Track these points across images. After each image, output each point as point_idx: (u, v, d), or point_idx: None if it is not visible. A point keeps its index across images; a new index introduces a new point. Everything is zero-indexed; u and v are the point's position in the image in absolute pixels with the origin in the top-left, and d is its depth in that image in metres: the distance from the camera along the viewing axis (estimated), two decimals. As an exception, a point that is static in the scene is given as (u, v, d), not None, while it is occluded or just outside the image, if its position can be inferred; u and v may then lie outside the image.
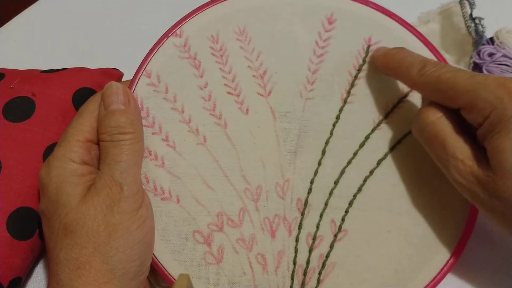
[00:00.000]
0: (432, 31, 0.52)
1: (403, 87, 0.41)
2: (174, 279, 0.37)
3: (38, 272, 0.42)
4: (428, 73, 0.35)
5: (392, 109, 0.41)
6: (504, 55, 0.50)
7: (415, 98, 0.41)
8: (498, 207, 0.32)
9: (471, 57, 0.50)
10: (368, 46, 0.42)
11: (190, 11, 0.42)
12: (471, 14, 0.49)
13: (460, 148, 0.33)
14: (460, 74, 0.34)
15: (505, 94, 0.31)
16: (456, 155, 0.33)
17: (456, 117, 0.35)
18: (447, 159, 0.34)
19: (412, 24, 0.50)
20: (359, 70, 0.41)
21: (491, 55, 0.50)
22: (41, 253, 0.41)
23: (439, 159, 0.35)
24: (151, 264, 0.37)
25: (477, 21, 0.49)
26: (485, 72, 0.50)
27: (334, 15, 0.42)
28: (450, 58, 0.51)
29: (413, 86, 0.37)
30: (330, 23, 0.42)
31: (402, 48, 0.39)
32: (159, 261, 0.37)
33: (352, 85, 0.41)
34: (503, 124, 0.30)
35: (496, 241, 0.42)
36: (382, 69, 0.40)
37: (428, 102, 0.36)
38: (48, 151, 0.40)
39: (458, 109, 0.34)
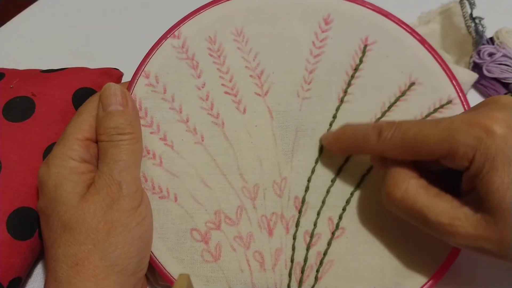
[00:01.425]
0: (432, 31, 0.53)
1: (400, 86, 0.41)
2: (172, 277, 0.37)
3: (38, 272, 0.42)
4: (389, 137, 0.33)
5: (389, 108, 0.41)
6: (504, 55, 0.50)
7: (413, 97, 0.41)
8: (509, 253, 0.29)
9: (471, 57, 0.50)
10: (365, 46, 0.42)
11: (188, 12, 0.43)
12: (471, 14, 0.50)
13: (442, 211, 0.31)
14: (424, 126, 0.32)
15: (481, 132, 0.29)
16: (441, 221, 0.31)
17: (421, 171, 0.33)
18: (435, 228, 0.32)
19: (412, 24, 0.50)
20: (356, 69, 0.42)
21: (491, 55, 0.50)
22: (41, 253, 0.41)
23: (428, 230, 0.33)
24: (150, 263, 0.38)
25: (477, 21, 0.49)
26: (485, 72, 0.50)
27: (330, 16, 0.43)
28: (450, 58, 0.52)
29: (380, 153, 0.35)
30: (326, 23, 0.43)
31: (345, 125, 0.38)
32: (157, 259, 0.38)
33: (349, 84, 0.41)
34: (490, 163, 0.29)
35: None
36: (341, 153, 0.39)
37: (385, 171, 0.35)
38: (48, 151, 0.40)
39: (429, 160, 0.32)
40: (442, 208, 0.31)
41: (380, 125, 0.34)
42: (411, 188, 0.33)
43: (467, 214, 0.30)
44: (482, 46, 0.50)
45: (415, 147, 0.32)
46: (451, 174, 0.33)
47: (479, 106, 0.33)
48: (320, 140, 0.40)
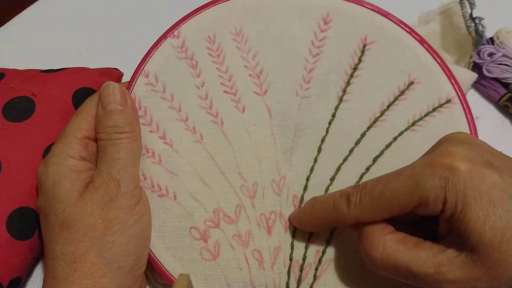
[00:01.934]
0: (432, 31, 0.53)
1: (399, 85, 0.41)
2: (171, 275, 0.37)
3: (38, 272, 0.42)
4: (358, 201, 0.32)
5: (388, 106, 0.41)
6: (504, 55, 0.50)
7: (412, 96, 0.41)
8: (503, 286, 0.28)
9: (471, 57, 0.50)
10: (364, 45, 0.42)
11: (188, 12, 0.43)
12: (471, 14, 0.50)
13: (425, 261, 0.30)
14: (387, 180, 0.31)
15: (445, 171, 0.29)
16: (428, 272, 0.30)
17: (394, 223, 0.33)
18: (424, 280, 0.30)
19: (412, 24, 0.51)
20: (355, 68, 0.42)
21: (491, 55, 0.50)
22: (41, 253, 0.41)
23: (418, 283, 0.31)
24: (149, 261, 0.38)
25: (477, 21, 0.49)
26: (485, 72, 0.50)
27: (329, 15, 0.43)
28: (450, 58, 0.52)
29: (356, 220, 0.33)
30: (326, 23, 0.43)
31: (312, 199, 0.37)
32: (156, 257, 0.38)
33: (348, 83, 0.41)
34: (461, 200, 0.28)
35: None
36: (315, 229, 0.38)
37: (358, 232, 0.33)
38: (48, 151, 0.40)
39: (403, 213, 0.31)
40: (425, 257, 0.30)
41: (347, 192, 0.34)
42: (389, 245, 0.31)
43: (451, 257, 0.29)
44: (482, 46, 0.50)
45: (385, 204, 0.31)
46: (426, 219, 0.32)
47: (434, 146, 0.33)
48: (289, 220, 0.39)
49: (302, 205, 0.38)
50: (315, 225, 0.37)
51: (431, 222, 0.32)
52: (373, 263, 0.32)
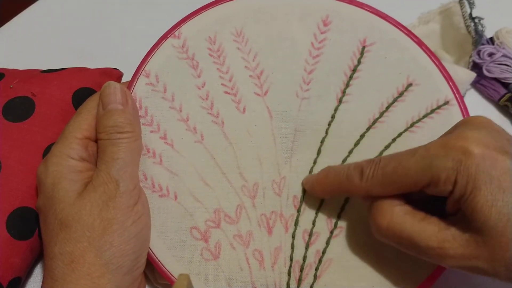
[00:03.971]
0: (432, 31, 0.53)
1: (398, 86, 0.42)
2: (172, 276, 0.37)
3: (38, 272, 0.42)
4: (371, 175, 0.33)
5: (387, 108, 0.41)
6: (504, 55, 0.51)
7: (411, 98, 0.41)
8: (501, 269, 0.29)
9: (470, 56, 0.50)
10: (363, 47, 0.43)
11: (188, 13, 0.43)
12: (470, 14, 0.50)
13: (430, 235, 0.31)
14: (401, 158, 0.32)
15: (459, 154, 0.29)
16: (431, 245, 0.31)
17: (405, 198, 0.33)
18: (426, 253, 0.31)
19: (412, 24, 0.51)
20: (354, 70, 0.42)
21: (491, 55, 0.51)
22: (41, 253, 0.41)
23: (419, 255, 0.32)
24: (149, 261, 0.38)
25: (476, 20, 0.50)
26: (485, 72, 0.50)
27: (329, 17, 0.43)
28: (450, 58, 0.52)
29: (366, 193, 0.34)
30: (325, 25, 0.43)
31: (326, 168, 0.38)
32: (156, 258, 0.38)
33: (347, 85, 0.42)
34: (472, 183, 0.29)
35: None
36: (325, 196, 0.39)
37: (370, 202, 0.35)
38: (48, 151, 0.40)
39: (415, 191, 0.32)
40: (430, 231, 0.31)
41: (361, 165, 0.34)
42: (397, 215, 0.33)
43: (455, 235, 0.30)
44: (482, 46, 0.51)
45: (397, 181, 0.32)
46: (435, 199, 0.33)
47: (452, 129, 0.33)
48: (302, 184, 0.40)
49: (314, 174, 0.39)
50: (325, 192, 0.38)
51: (440, 201, 0.32)
52: (379, 230, 0.33)
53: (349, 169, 0.35)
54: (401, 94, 0.42)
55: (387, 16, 0.44)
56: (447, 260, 0.31)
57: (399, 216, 0.32)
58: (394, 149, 0.40)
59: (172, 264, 0.38)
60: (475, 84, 0.52)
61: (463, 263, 0.30)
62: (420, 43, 0.43)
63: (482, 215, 0.29)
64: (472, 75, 0.49)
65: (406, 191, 0.33)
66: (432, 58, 0.43)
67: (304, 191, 0.39)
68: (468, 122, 0.33)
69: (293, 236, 0.38)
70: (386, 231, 0.33)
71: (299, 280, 0.38)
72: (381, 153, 0.40)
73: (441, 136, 0.34)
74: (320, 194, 0.38)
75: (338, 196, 0.39)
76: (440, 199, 0.32)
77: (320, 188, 0.38)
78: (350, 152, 0.40)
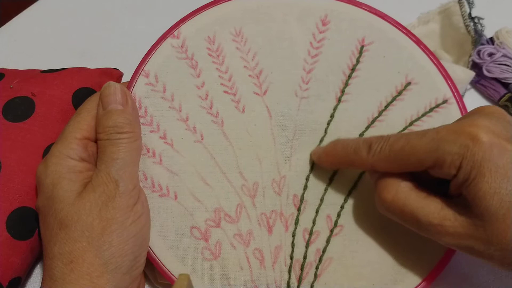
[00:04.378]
0: (431, 31, 0.53)
1: (396, 85, 0.42)
2: (172, 275, 0.37)
3: (38, 272, 0.42)
4: (378, 150, 0.34)
5: (385, 107, 0.41)
6: (504, 55, 0.51)
7: (409, 97, 0.42)
8: (496, 253, 0.30)
9: (470, 56, 0.51)
10: (362, 47, 0.43)
11: (188, 13, 0.43)
12: (470, 14, 0.50)
13: (432, 212, 0.32)
14: (411, 138, 0.33)
15: (467, 140, 0.30)
16: (432, 222, 0.32)
17: (411, 176, 0.34)
18: (426, 229, 0.32)
19: (412, 24, 0.51)
20: (353, 69, 0.42)
21: (491, 55, 0.51)
22: (41, 253, 0.41)
23: (419, 231, 0.33)
24: (149, 261, 0.38)
25: (476, 20, 0.50)
26: (485, 72, 0.51)
27: (328, 17, 0.43)
28: (449, 58, 0.52)
29: (371, 167, 0.35)
30: (324, 24, 0.43)
31: (336, 140, 0.39)
32: (157, 257, 0.38)
33: (346, 84, 0.42)
34: (476, 170, 0.29)
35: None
36: (332, 167, 0.40)
37: (377, 176, 0.35)
38: (48, 151, 0.40)
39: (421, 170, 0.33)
40: (432, 209, 0.32)
41: (370, 140, 0.35)
42: (401, 190, 0.34)
43: (457, 215, 0.31)
44: (482, 46, 0.51)
45: (403, 159, 0.33)
46: (439, 181, 0.33)
47: (465, 116, 0.34)
48: (310, 155, 0.40)
49: (323, 145, 0.40)
50: (332, 164, 0.39)
51: (444, 183, 0.33)
52: (383, 204, 0.34)
53: (358, 143, 0.36)
54: (400, 93, 0.42)
55: (386, 15, 0.44)
56: (446, 238, 0.32)
57: (404, 192, 0.33)
58: (393, 148, 0.40)
59: (172, 263, 0.38)
60: (475, 84, 0.52)
61: (460, 242, 0.31)
62: (418, 42, 0.43)
63: (484, 201, 0.29)
64: (471, 74, 0.49)
65: (411, 170, 0.33)
66: (431, 57, 0.43)
67: (304, 190, 0.39)
68: (481, 111, 0.33)
69: (293, 235, 0.39)
70: (390, 205, 0.34)
71: (300, 279, 0.38)
72: (380, 152, 0.40)
73: (453, 122, 0.34)
74: (327, 165, 0.39)
75: (344, 167, 0.39)
76: (444, 181, 0.33)
77: (327, 159, 0.39)
78: (350, 151, 0.40)
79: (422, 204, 0.33)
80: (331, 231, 0.39)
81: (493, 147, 0.29)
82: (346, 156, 0.37)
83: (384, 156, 0.34)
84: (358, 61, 0.42)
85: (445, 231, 0.31)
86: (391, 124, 0.41)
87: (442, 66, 0.43)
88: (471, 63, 0.50)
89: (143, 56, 0.42)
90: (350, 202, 0.39)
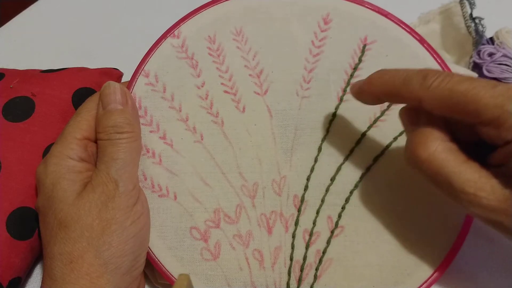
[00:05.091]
0: (432, 31, 0.53)
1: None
2: (172, 276, 0.37)
3: (38, 272, 0.42)
4: (435, 85, 0.30)
5: (388, 106, 0.41)
6: (504, 55, 0.50)
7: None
8: None
9: (471, 57, 0.50)
10: (364, 45, 0.42)
11: (188, 12, 0.43)
12: (471, 14, 0.50)
13: (468, 180, 0.29)
14: (478, 85, 0.29)
15: None
16: (466, 190, 0.29)
17: (451, 135, 0.32)
18: (457, 195, 0.30)
19: (412, 24, 0.50)
20: (355, 68, 0.42)
21: (491, 55, 0.50)
22: (41, 253, 0.41)
23: (448, 195, 0.31)
24: (149, 261, 0.38)
25: (477, 20, 0.49)
26: (485, 72, 0.50)
27: (330, 15, 0.43)
28: (450, 58, 0.52)
29: (419, 102, 0.31)
30: (326, 23, 0.43)
31: (382, 69, 0.35)
32: (156, 258, 0.38)
33: (348, 83, 0.41)
34: None
35: (495, 240, 0.42)
36: (371, 99, 0.35)
37: (412, 129, 0.33)
38: (48, 151, 0.40)
39: (469, 124, 0.30)
40: (469, 176, 0.30)
41: (427, 71, 0.31)
42: (440, 150, 0.31)
43: (494, 187, 0.29)
44: (482, 46, 0.50)
45: (462, 103, 0.29)
46: (480, 145, 0.31)
47: None
48: (349, 88, 0.37)
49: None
50: (374, 94, 0.35)
51: (485, 149, 0.31)
52: (415, 160, 0.31)
53: (410, 72, 0.32)
54: (402, 93, 0.41)
55: (389, 13, 0.43)
56: (477, 209, 0.29)
57: (442, 152, 0.30)
58: (395, 148, 0.40)
59: (172, 264, 0.38)
60: (475, 84, 0.51)
61: (491, 216, 0.29)
62: (422, 40, 0.43)
63: None
64: (473, 75, 0.49)
65: (463, 118, 0.30)
66: (434, 55, 0.42)
67: (305, 190, 0.39)
68: None
69: (293, 236, 0.38)
70: (424, 163, 0.31)
71: (299, 280, 0.37)
72: (383, 151, 0.40)
73: None
74: (367, 96, 0.35)
75: (386, 101, 0.35)
76: (484, 146, 0.31)
77: (370, 89, 0.34)
78: (352, 151, 0.40)
79: (459, 169, 0.30)
80: (332, 232, 0.38)
81: None
82: (392, 85, 0.33)
83: (440, 93, 0.30)
84: (360, 60, 0.42)
85: (478, 202, 0.29)
86: (394, 124, 0.40)
87: (446, 65, 0.42)
88: (472, 64, 0.50)
89: (143, 56, 0.41)
90: (351, 203, 0.39)
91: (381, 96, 0.34)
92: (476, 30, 0.49)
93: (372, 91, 0.35)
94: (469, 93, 0.29)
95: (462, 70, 0.48)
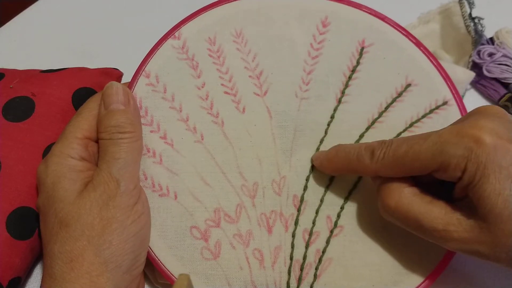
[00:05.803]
0: (432, 31, 0.53)
1: (396, 87, 0.42)
2: (172, 275, 0.37)
3: (38, 272, 0.42)
4: (381, 156, 0.34)
5: (386, 108, 0.41)
6: (504, 55, 0.51)
7: (409, 98, 0.42)
8: (502, 255, 0.30)
9: (470, 56, 0.51)
10: (362, 48, 0.43)
11: (189, 13, 0.43)
12: (470, 14, 0.50)
13: (436, 217, 0.32)
14: (413, 142, 0.33)
15: (471, 142, 0.30)
16: (436, 227, 0.32)
17: (414, 180, 0.34)
18: (430, 234, 0.32)
19: (412, 24, 0.51)
20: (353, 71, 0.42)
21: (491, 55, 0.51)
22: (41, 252, 0.41)
23: (424, 236, 0.33)
24: (149, 261, 0.38)
25: (476, 20, 0.50)
26: (485, 72, 0.51)
27: (328, 19, 0.44)
28: (450, 58, 0.52)
29: (375, 173, 0.35)
30: (324, 26, 0.43)
31: (337, 146, 0.38)
32: (156, 257, 0.38)
33: (346, 85, 0.42)
34: (481, 171, 0.29)
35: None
36: (334, 173, 0.39)
37: (380, 181, 0.35)
38: (48, 150, 0.40)
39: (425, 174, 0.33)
40: (436, 214, 0.32)
41: (372, 145, 0.35)
42: (405, 196, 0.33)
43: (461, 219, 0.31)
44: (482, 46, 0.51)
45: (407, 164, 0.33)
46: (443, 183, 0.33)
47: (466, 117, 0.34)
48: (311, 160, 0.40)
49: (325, 151, 0.40)
50: (334, 170, 0.38)
51: (448, 185, 0.33)
52: (386, 210, 0.34)
53: (360, 149, 0.36)
54: (400, 95, 0.42)
55: (386, 17, 0.44)
56: (450, 243, 0.32)
57: (407, 197, 0.33)
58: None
59: (172, 263, 0.38)
60: (475, 84, 0.52)
61: (466, 247, 0.31)
62: (418, 43, 0.43)
63: (489, 202, 0.29)
64: (471, 74, 0.49)
65: (415, 174, 0.33)
66: (431, 58, 0.43)
67: (304, 190, 0.39)
68: (482, 111, 0.33)
69: (293, 235, 0.39)
70: (394, 210, 0.34)
71: (299, 279, 0.38)
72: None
73: (454, 123, 0.34)
74: (329, 171, 0.39)
75: (346, 173, 0.39)
76: (447, 183, 0.33)
77: (329, 165, 0.38)
78: (349, 152, 0.40)
79: (426, 209, 0.32)
80: (331, 231, 0.39)
81: (497, 149, 0.30)
82: (348, 163, 0.36)
83: (387, 162, 0.34)
84: (358, 63, 0.43)
85: (449, 236, 0.31)
86: (391, 126, 0.41)
87: (442, 68, 0.43)
88: (471, 63, 0.50)
89: (143, 57, 0.42)
90: (350, 203, 0.39)
91: (340, 171, 0.38)
92: (475, 30, 0.50)
93: (331, 168, 0.39)
94: (408, 154, 0.33)
95: (462, 70, 0.49)
